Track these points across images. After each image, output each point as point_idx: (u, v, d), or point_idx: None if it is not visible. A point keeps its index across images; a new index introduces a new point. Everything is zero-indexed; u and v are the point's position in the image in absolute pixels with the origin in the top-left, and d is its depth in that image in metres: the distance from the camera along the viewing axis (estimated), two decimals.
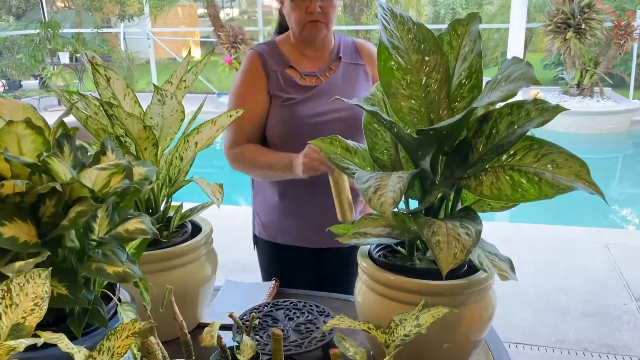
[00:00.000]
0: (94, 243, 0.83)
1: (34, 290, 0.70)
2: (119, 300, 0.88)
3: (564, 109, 0.85)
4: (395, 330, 0.86)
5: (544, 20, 8.16)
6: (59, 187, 0.75)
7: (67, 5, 15.61)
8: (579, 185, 0.79)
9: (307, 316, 1.18)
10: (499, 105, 0.91)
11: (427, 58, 1.00)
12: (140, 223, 0.81)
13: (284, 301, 1.24)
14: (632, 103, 7.93)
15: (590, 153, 6.98)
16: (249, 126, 1.51)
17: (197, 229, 1.24)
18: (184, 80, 1.11)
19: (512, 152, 0.89)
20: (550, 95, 8.21)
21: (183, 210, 1.22)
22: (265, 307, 1.22)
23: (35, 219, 0.79)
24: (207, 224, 1.25)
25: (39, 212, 0.79)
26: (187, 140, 1.13)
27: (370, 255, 1.07)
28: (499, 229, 3.34)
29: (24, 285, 0.69)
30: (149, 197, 1.16)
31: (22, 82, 9.49)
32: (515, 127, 0.89)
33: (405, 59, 0.99)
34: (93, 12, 14.30)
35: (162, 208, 1.19)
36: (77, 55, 9.42)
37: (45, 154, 0.75)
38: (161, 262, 1.14)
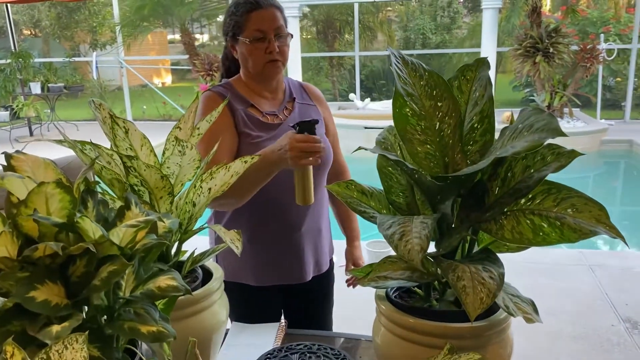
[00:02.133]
0: (122, 301, 0.83)
1: (72, 357, 0.68)
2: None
3: (580, 154, 0.88)
4: None
5: (512, 44, 8.42)
6: (92, 248, 0.74)
7: (33, 33, 15.44)
8: (601, 230, 0.82)
9: None
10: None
11: (439, 104, 1.02)
12: (171, 280, 0.80)
13: (297, 344, 1.24)
14: (600, 123, 8.19)
15: (564, 173, 7.15)
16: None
17: (207, 274, 1.23)
18: (197, 128, 1.11)
19: (530, 196, 0.91)
20: None
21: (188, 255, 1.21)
22: (280, 352, 1.21)
23: (63, 279, 0.78)
24: (218, 269, 1.24)
25: (67, 272, 0.78)
26: (201, 187, 1.13)
27: (388, 297, 1.08)
28: None
29: (62, 352, 0.68)
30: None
31: None
32: (532, 170, 0.92)
33: (419, 105, 1.01)
34: (62, 41, 14.17)
35: (174, 255, 1.17)
36: (49, 85, 9.29)
37: (78, 214, 0.75)
38: (176, 310, 1.12)
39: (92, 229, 0.78)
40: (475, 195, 0.99)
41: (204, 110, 1.50)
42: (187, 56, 9.32)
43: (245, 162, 1.11)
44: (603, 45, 8.28)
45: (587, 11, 10.64)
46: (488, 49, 8.25)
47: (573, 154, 0.88)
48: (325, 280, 1.69)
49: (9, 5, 9.01)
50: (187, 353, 0.93)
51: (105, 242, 0.78)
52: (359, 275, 1.09)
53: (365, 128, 7.43)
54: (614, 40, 9.47)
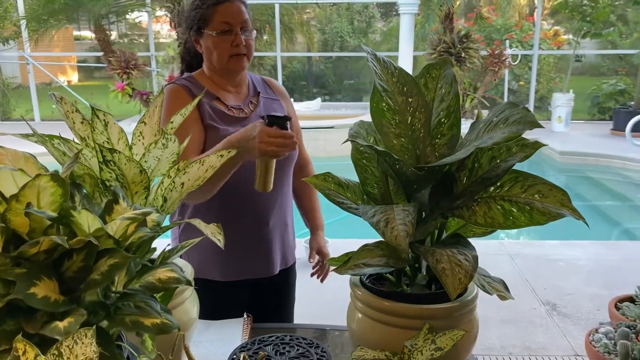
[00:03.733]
0: (115, 295, 0.81)
1: (82, 352, 0.67)
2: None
3: (543, 144, 0.97)
4: (412, 355, 0.92)
5: (426, 49, 8.81)
6: (94, 241, 0.72)
7: None
8: (566, 212, 0.91)
9: (298, 349, 1.20)
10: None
11: (410, 99, 1.08)
12: (171, 272, 0.80)
13: (270, 336, 1.25)
14: None
15: None
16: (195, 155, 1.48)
17: None
18: (172, 122, 1.10)
19: (499, 184, 0.99)
20: None
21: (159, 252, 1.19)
22: (253, 345, 1.22)
23: (57, 274, 0.75)
24: (187, 266, 1.24)
25: (61, 268, 0.76)
26: (173, 181, 1.12)
27: (363, 284, 1.12)
28: None
29: (72, 347, 0.66)
30: None
31: None
32: (498, 161, 1.00)
33: (393, 101, 1.07)
34: None
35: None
36: None
37: (79, 207, 0.73)
38: None
39: (88, 222, 0.76)
40: (445, 184, 1.06)
41: (169, 103, 1.48)
42: (100, 53, 8.92)
43: (221, 155, 1.11)
44: (508, 51, 8.86)
45: (492, 19, 11.33)
46: (405, 53, 8.58)
47: (537, 145, 0.97)
48: (290, 273, 1.71)
49: None
50: (174, 347, 0.93)
51: (102, 236, 0.76)
52: (336, 264, 1.12)
53: None
54: (516, 46, 10.16)
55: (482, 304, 2.95)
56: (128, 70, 8.50)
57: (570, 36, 11.11)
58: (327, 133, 7.38)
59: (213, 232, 1.06)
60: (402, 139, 1.07)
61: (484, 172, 1.02)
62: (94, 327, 0.68)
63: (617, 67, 12.18)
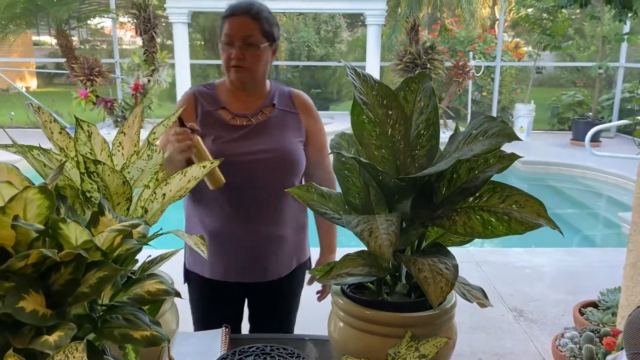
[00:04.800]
0: (101, 308, 0.80)
1: None
2: None
3: (519, 157, 1.01)
4: None
5: (393, 60, 8.95)
6: (84, 254, 0.72)
7: None
8: (542, 222, 0.95)
9: None
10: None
11: (390, 112, 1.11)
12: (160, 284, 0.80)
13: (250, 347, 1.25)
14: None
15: None
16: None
17: None
18: (154, 132, 1.10)
19: (478, 194, 1.02)
20: None
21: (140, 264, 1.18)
22: (234, 356, 1.22)
23: (43, 288, 0.74)
24: (168, 278, 1.22)
25: (48, 281, 0.75)
26: (154, 192, 1.11)
27: (344, 293, 1.13)
28: None
29: None
30: None
31: None
32: (476, 172, 1.03)
33: (374, 113, 1.09)
34: None
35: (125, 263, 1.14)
36: None
37: (68, 220, 0.72)
38: None
39: (75, 234, 0.76)
40: (424, 194, 1.09)
41: (177, 106, 1.62)
42: (61, 59, 8.73)
43: (204, 167, 1.12)
44: (472, 62, 9.09)
45: (456, 30, 11.59)
46: (372, 63, 8.69)
47: (513, 156, 1.01)
48: (292, 281, 1.73)
49: None
50: (159, 357, 0.92)
51: (90, 248, 0.76)
52: (319, 274, 1.14)
53: None
54: (479, 58, 10.41)
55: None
56: (92, 77, 8.36)
57: (531, 48, 11.45)
58: None
59: (196, 243, 1.06)
60: (383, 151, 1.09)
61: (463, 182, 1.05)
62: (85, 340, 0.68)
63: (575, 79, 12.62)
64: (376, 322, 1.06)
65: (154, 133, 1.11)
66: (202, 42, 13.67)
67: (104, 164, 0.93)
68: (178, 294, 0.80)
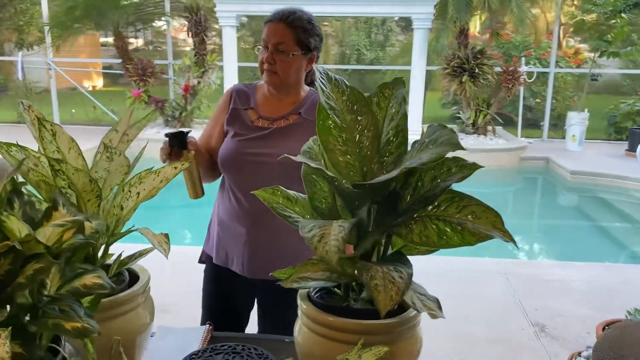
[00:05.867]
0: (47, 299, 0.84)
1: None
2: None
3: (480, 166, 0.98)
4: None
5: (442, 64, 8.82)
6: (18, 246, 0.76)
7: None
8: (495, 234, 0.92)
9: (247, 359, 1.22)
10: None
11: (359, 118, 1.10)
12: (97, 278, 0.83)
13: (222, 345, 1.27)
14: (520, 141, 8.70)
15: (485, 187, 7.54)
16: (211, 146, 1.75)
17: (134, 277, 1.24)
18: (127, 134, 1.14)
19: (437, 203, 1.01)
20: None
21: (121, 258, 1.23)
22: (205, 353, 1.24)
23: None
24: (145, 272, 1.27)
25: None
26: (129, 191, 1.15)
27: (309, 297, 1.14)
28: None
29: None
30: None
31: None
32: (439, 181, 1.02)
33: (341, 119, 1.09)
34: None
35: (100, 257, 1.19)
36: None
37: (5, 213, 0.76)
38: (100, 312, 1.12)
39: (18, 227, 0.80)
40: (390, 202, 1.08)
41: (219, 102, 1.78)
42: (119, 60, 9.11)
43: (175, 167, 1.15)
44: (524, 68, 8.82)
45: (512, 35, 11.28)
46: (418, 67, 8.59)
47: (474, 166, 0.98)
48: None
49: None
50: (112, 351, 0.96)
51: (31, 241, 0.80)
52: (282, 276, 1.15)
53: None
54: (534, 63, 10.09)
55: (469, 322, 2.94)
56: (145, 78, 8.67)
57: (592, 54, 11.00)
58: None
59: (159, 242, 1.09)
60: (349, 156, 1.09)
61: (426, 190, 1.03)
62: (9, 328, 0.72)
63: (637, 86, 12.02)
64: (334, 328, 1.06)
65: (127, 135, 1.16)
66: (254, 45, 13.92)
67: (66, 162, 0.98)
68: (113, 289, 0.83)
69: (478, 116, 8.65)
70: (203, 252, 1.81)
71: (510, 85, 8.31)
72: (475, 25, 13.01)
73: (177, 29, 11.88)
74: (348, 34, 13.38)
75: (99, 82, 16.96)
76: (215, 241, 1.72)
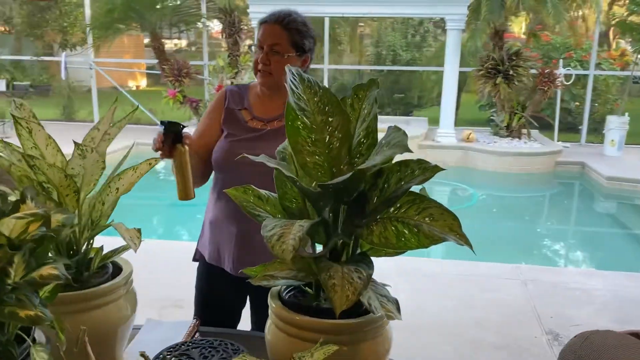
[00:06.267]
0: (10, 287, 0.89)
1: None
2: (34, 340, 0.93)
3: (441, 169, 0.98)
4: None
5: (476, 65, 8.68)
6: None
7: (7, 30, 15.17)
8: (450, 237, 0.92)
9: (222, 354, 1.25)
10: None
11: (330, 119, 1.11)
12: (53, 269, 0.87)
13: (201, 340, 1.30)
14: (556, 145, 8.47)
15: (519, 192, 7.39)
16: (202, 146, 1.72)
17: (118, 270, 1.29)
18: (108, 133, 1.18)
19: (398, 205, 1.01)
20: (482, 136, 8.65)
21: (105, 252, 1.27)
22: (182, 346, 1.27)
23: None
24: (128, 266, 1.31)
25: None
26: (109, 186, 1.20)
27: (279, 296, 1.15)
28: (424, 265, 3.50)
29: None
30: (70, 239, 1.21)
31: None
32: (402, 183, 1.02)
33: (311, 119, 1.10)
34: (35, 39, 13.97)
35: (83, 250, 1.23)
36: (15, 83, 9.20)
37: None
38: (80, 303, 1.18)
39: None
40: (358, 203, 1.08)
41: (211, 102, 1.79)
42: (157, 61, 9.35)
43: (150, 163, 1.19)
44: (562, 70, 8.59)
45: (551, 37, 11.00)
46: (451, 68, 8.48)
47: (436, 169, 0.98)
48: None
49: None
50: (78, 341, 1.00)
51: None
52: (252, 274, 1.17)
53: None
54: (574, 66, 9.81)
55: (478, 328, 2.89)
56: (180, 78, 8.86)
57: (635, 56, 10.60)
58: None
59: (131, 237, 1.13)
60: (317, 157, 1.10)
61: (391, 192, 1.04)
62: None
63: None
64: (300, 327, 1.07)
65: (109, 134, 1.20)
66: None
67: (39, 158, 1.03)
68: (68, 280, 0.86)
69: (512, 119, 8.47)
70: (197, 251, 1.84)
71: (546, 88, 8.11)
72: (520, 27, 12.73)
73: (217, 32, 12.07)
74: (384, 34, 13.32)
75: (143, 82, 17.39)
76: (208, 240, 1.75)
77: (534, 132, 8.83)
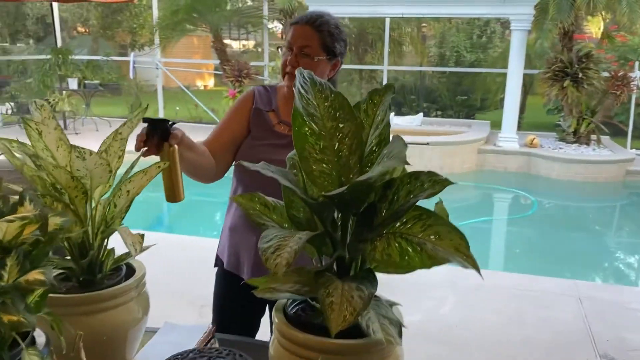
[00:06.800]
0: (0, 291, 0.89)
1: None
2: (33, 343, 0.93)
3: (452, 183, 0.90)
4: None
5: (543, 67, 8.29)
6: None
7: (87, 31, 16.03)
8: (455, 259, 0.84)
9: None
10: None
11: (341, 125, 1.05)
12: (40, 274, 0.86)
13: (210, 348, 1.28)
14: (628, 152, 7.96)
15: (584, 201, 6.99)
16: (216, 144, 1.66)
17: (132, 272, 1.28)
18: (120, 133, 1.17)
19: (404, 219, 0.94)
20: (547, 142, 8.26)
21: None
22: (190, 354, 1.25)
23: None
24: (142, 268, 1.30)
25: None
26: (120, 189, 1.19)
27: (284, 310, 1.11)
28: (472, 276, 3.34)
29: None
30: (82, 241, 1.21)
31: (29, 107, 9.72)
32: (411, 196, 0.94)
33: (320, 125, 1.04)
34: (109, 40, 14.67)
35: (95, 252, 1.23)
36: (86, 81, 9.67)
37: None
38: (89, 305, 1.18)
39: None
40: (367, 215, 1.02)
41: (236, 100, 1.74)
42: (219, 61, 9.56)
43: (159, 167, 1.17)
44: (637, 74, 8.06)
45: (629, 37, 10.36)
46: (515, 70, 8.15)
47: (446, 182, 0.90)
48: None
49: (53, 3, 9.41)
50: (74, 345, 0.99)
51: None
52: (258, 284, 1.12)
53: None
54: None
55: (525, 347, 2.73)
56: (240, 79, 9.02)
57: None
58: (422, 149, 7.24)
59: (133, 242, 1.12)
60: (324, 165, 1.04)
61: (399, 205, 0.97)
62: None
63: None
64: (301, 345, 1.02)
65: (120, 133, 1.19)
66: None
67: (44, 159, 1.03)
68: (54, 286, 0.85)
69: (580, 124, 8.03)
70: (217, 257, 1.82)
71: (618, 92, 7.63)
72: (598, 27, 12.09)
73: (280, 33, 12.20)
74: (449, 34, 13.02)
75: (211, 82, 17.84)
76: (227, 247, 1.72)
77: (605, 139, 8.34)
